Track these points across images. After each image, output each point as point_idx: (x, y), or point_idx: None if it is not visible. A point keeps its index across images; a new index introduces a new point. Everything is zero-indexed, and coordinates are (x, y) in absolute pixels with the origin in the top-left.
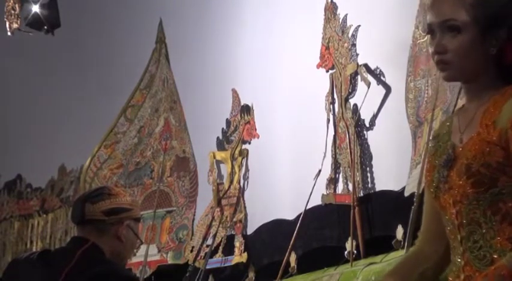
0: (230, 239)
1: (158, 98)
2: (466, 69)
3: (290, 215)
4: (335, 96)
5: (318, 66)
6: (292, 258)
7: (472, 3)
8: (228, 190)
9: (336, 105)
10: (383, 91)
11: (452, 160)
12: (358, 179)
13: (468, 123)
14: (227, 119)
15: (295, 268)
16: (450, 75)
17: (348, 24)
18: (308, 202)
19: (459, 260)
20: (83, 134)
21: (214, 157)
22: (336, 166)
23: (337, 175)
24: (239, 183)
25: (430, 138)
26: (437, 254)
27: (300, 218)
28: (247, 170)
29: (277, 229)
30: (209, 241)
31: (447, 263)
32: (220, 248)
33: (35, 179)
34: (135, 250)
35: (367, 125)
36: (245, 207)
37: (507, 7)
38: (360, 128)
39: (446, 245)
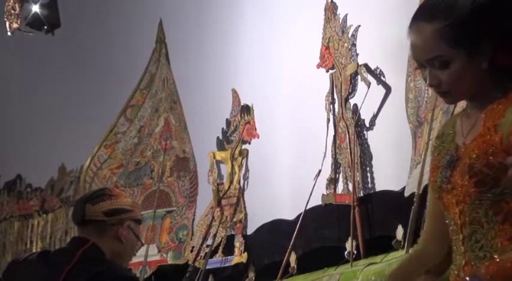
0: (230, 239)
1: (158, 98)
2: (465, 91)
3: (290, 215)
4: (335, 96)
5: (318, 66)
6: (292, 258)
7: (450, 32)
8: (228, 190)
9: (336, 105)
10: (383, 91)
11: (455, 160)
12: (358, 179)
13: (471, 127)
14: (227, 119)
15: (295, 268)
16: (452, 101)
17: (348, 24)
18: (308, 202)
19: (460, 259)
20: (83, 134)
21: (214, 157)
22: (336, 166)
23: (337, 175)
24: (239, 183)
25: (435, 136)
26: (440, 255)
27: (300, 218)
28: (247, 170)
29: (277, 229)
30: (209, 241)
31: (449, 264)
32: (220, 248)
33: (35, 179)
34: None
35: (367, 125)
36: (245, 207)
37: (482, 24)
38: (360, 128)
39: (449, 246)
